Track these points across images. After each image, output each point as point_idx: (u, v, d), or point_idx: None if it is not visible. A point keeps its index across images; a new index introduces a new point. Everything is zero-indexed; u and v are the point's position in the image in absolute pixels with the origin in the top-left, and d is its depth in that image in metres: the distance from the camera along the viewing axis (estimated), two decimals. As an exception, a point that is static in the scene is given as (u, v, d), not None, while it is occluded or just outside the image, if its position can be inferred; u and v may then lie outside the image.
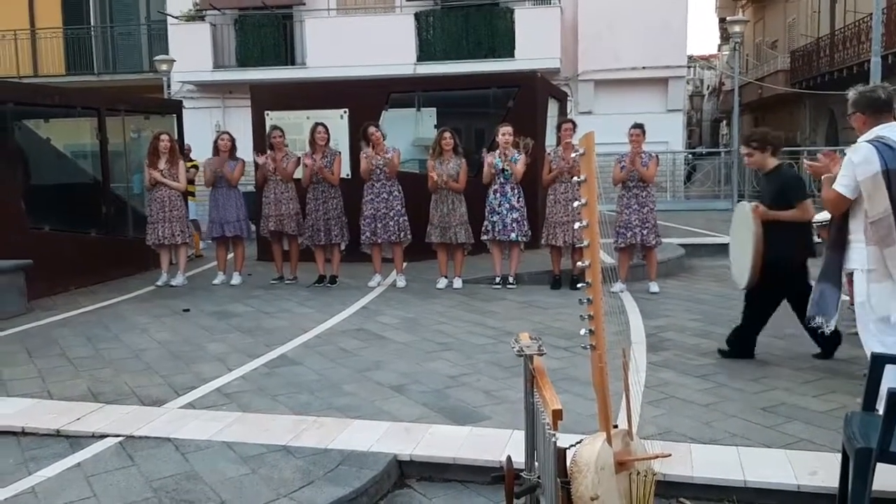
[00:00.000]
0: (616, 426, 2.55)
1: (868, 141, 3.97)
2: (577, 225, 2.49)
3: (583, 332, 2.50)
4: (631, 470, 2.45)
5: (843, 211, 4.07)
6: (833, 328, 4.36)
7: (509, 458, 2.74)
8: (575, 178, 2.52)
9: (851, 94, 4.19)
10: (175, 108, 11.26)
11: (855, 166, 3.92)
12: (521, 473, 2.67)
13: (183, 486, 3.49)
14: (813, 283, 4.35)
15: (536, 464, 2.55)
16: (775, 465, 3.57)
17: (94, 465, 3.77)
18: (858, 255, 4.01)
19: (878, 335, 3.95)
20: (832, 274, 4.17)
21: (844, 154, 4.19)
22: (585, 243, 2.48)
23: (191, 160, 11.36)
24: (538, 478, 2.49)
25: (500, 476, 2.70)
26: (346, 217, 8.62)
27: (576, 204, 2.48)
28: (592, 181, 2.48)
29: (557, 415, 2.12)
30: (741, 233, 5.28)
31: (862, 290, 4.01)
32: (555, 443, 2.05)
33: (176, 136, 10.14)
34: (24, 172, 8.86)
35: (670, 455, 2.58)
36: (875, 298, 3.94)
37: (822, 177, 4.31)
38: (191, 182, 10.51)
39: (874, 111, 4.06)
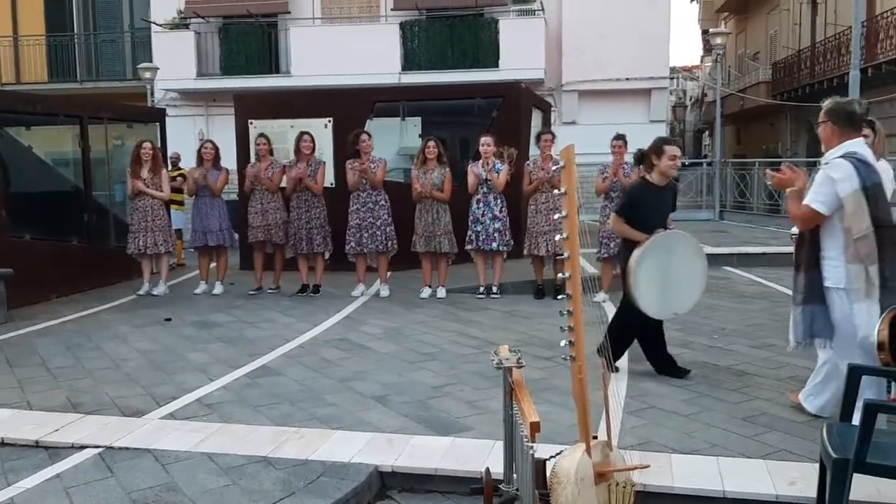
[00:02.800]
0: (596, 437, 2.56)
1: (843, 157, 3.97)
2: (557, 237, 2.51)
3: (563, 343, 2.52)
4: (610, 481, 2.47)
5: (813, 227, 4.05)
6: (833, 350, 4.17)
7: (488, 470, 2.74)
8: (556, 191, 2.54)
9: (828, 102, 4.17)
10: (158, 116, 11.22)
11: (836, 183, 3.90)
12: (500, 486, 2.67)
13: (163, 498, 3.47)
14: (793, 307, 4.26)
15: (515, 476, 2.56)
16: (754, 475, 3.59)
17: (74, 477, 3.73)
18: (835, 273, 3.98)
19: (857, 356, 3.87)
20: (816, 293, 4.07)
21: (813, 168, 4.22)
22: (566, 255, 2.50)
23: (179, 169, 11.32)
24: (517, 490, 2.50)
25: (479, 488, 2.71)
26: (330, 226, 8.61)
27: (556, 216, 2.50)
28: (573, 193, 2.50)
29: (535, 427, 2.13)
30: (686, 259, 5.09)
31: (844, 309, 3.98)
32: (532, 455, 2.07)
33: (159, 145, 10.11)
34: (4, 180, 8.78)
35: (649, 466, 2.60)
36: (859, 318, 3.92)
37: (787, 190, 4.26)
38: (179, 191, 10.45)
39: (847, 125, 4.06)
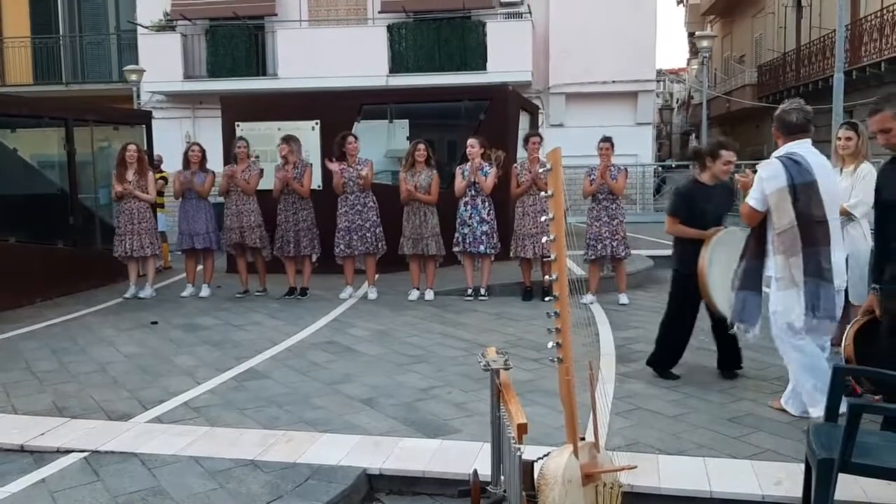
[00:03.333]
0: (583, 438, 2.57)
1: (777, 157, 4.27)
2: (544, 239, 2.52)
3: (550, 345, 2.52)
4: (598, 482, 2.48)
5: (757, 223, 4.34)
6: (757, 335, 4.52)
7: (475, 472, 2.75)
8: (543, 193, 2.55)
9: (778, 110, 4.44)
10: (144, 118, 11.16)
11: (763, 181, 4.22)
12: (488, 487, 2.68)
13: (149, 502, 3.45)
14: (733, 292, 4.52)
15: (502, 477, 2.57)
16: (741, 475, 3.61)
17: (59, 481, 3.71)
18: (772, 264, 4.28)
19: (788, 339, 4.27)
20: (752, 281, 4.37)
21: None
22: (553, 257, 2.51)
23: (160, 171, 11.26)
24: (504, 491, 2.51)
25: (466, 490, 2.71)
26: (318, 229, 8.60)
27: (543, 218, 2.51)
28: (560, 196, 2.51)
29: (522, 429, 2.14)
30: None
31: (773, 298, 4.28)
32: (520, 456, 2.07)
33: (145, 147, 10.06)
34: (-11, 183, 8.73)
35: (636, 467, 2.61)
36: (781, 305, 4.24)
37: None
38: (160, 194, 10.40)
39: (786, 132, 4.35)
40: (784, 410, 4.47)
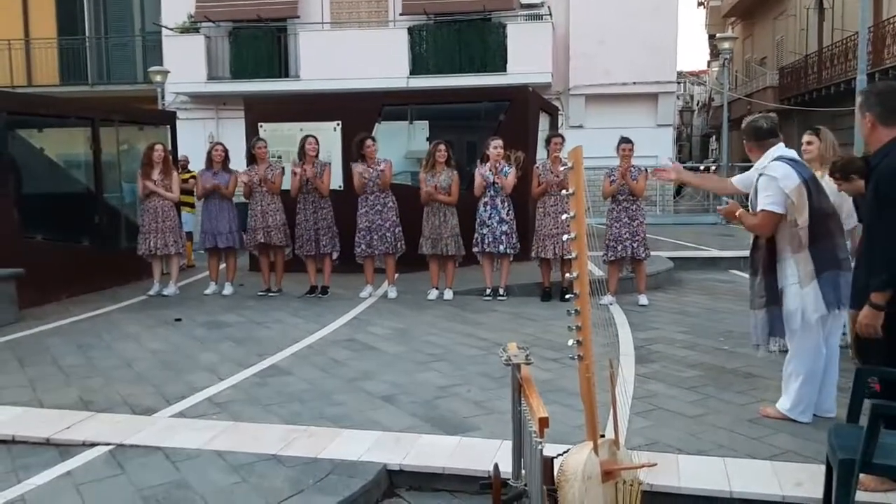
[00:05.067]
0: (603, 436, 2.59)
1: (775, 160, 4.21)
2: (565, 237, 2.54)
3: (570, 342, 2.54)
4: (617, 479, 2.49)
5: (772, 231, 4.22)
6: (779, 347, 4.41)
7: (496, 467, 2.77)
8: (564, 191, 2.57)
9: (743, 125, 4.46)
10: (169, 119, 11.29)
11: (779, 181, 4.12)
12: (508, 481, 2.70)
13: (173, 495, 3.50)
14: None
15: (523, 472, 2.59)
16: (761, 476, 3.61)
17: (84, 474, 3.78)
18: (790, 269, 4.18)
19: (803, 336, 4.19)
20: (775, 294, 4.25)
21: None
22: (574, 255, 2.53)
23: (188, 171, 11.38)
24: (525, 486, 2.53)
25: (487, 484, 2.73)
26: (338, 227, 8.66)
27: (564, 217, 2.53)
28: (581, 194, 2.53)
29: (544, 423, 2.15)
30: None
31: (794, 301, 4.16)
32: (541, 450, 2.09)
33: (170, 147, 10.18)
34: (17, 182, 8.86)
35: (656, 465, 2.62)
36: (802, 302, 4.14)
37: (738, 213, 4.43)
38: (189, 193, 10.52)
39: (757, 140, 4.35)
40: (778, 413, 4.42)
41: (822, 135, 5.77)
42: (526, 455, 2.30)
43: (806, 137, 5.84)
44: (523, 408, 2.31)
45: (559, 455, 2.46)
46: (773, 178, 4.14)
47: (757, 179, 4.27)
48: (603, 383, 2.68)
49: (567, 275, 2.53)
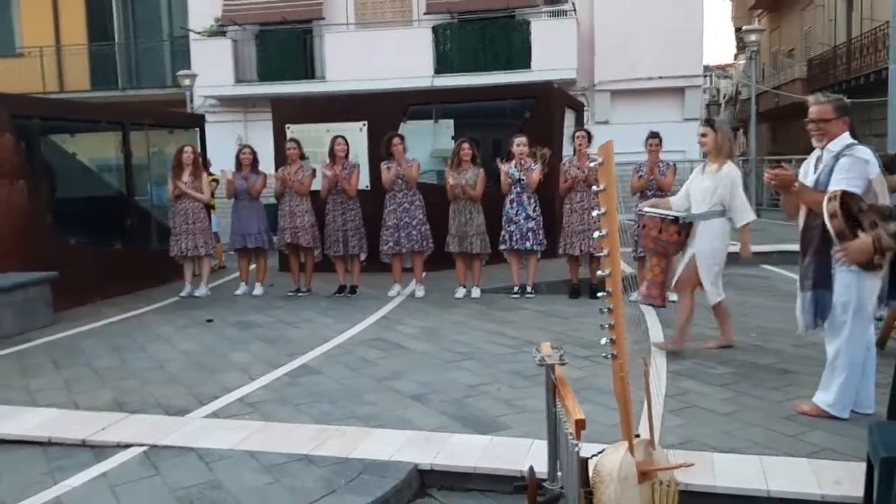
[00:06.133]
0: (638, 436, 2.55)
1: (859, 145, 4.11)
2: (596, 234, 2.51)
3: (603, 341, 2.51)
4: (654, 480, 2.46)
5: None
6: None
7: (532, 469, 2.75)
8: (594, 187, 2.54)
9: (834, 102, 4.23)
10: (198, 122, 11.40)
11: (868, 166, 4.00)
12: (544, 483, 2.67)
13: (207, 496, 3.53)
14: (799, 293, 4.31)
15: (559, 474, 2.56)
16: (799, 474, 3.55)
17: (119, 475, 3.81)
18: None
19: (854, 328, 4.08)
20: (825, 278, 4.14)
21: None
22: (605, 252, 2.50)
23: (210, 174, 11.47)
24: (561, 488, 2.50)
25: (522, 486, 2.71)
26: (365, 228, 8.68)
27: (595, 213, 2.50)
28: (612, 190, 2.50)
29: (580, 424, 2.13)
30: None
31: (849, 290, 4.04)
32: (578, 453, 2.07)
33: (199, 150, 10.26)
34: (50, 186, 9.00)
35: (693, 465, 2.58)
36: (859, 292, 4.03)
37: (796, 185, 4.17)
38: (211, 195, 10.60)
39: (844, 115, 4.21)
40: (818, 409, 4.32)
41: (717, 127, 5.69)
42: (562, 457, 2.27)
43: (700, 130, 5.80)
44: (558, 409, 2.28)
45: (594, 455, 2.43)
46: (862, 161, 4.00)
47: (836, 159, 4.09)
48: (636, 381, 2.65)
49: (599, 272, 2.50)
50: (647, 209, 5.98)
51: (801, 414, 4.35)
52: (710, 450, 3.84)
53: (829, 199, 3.77)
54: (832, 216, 3.73)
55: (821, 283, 4.14)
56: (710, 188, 5.66)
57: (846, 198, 3.76)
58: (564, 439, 2.13)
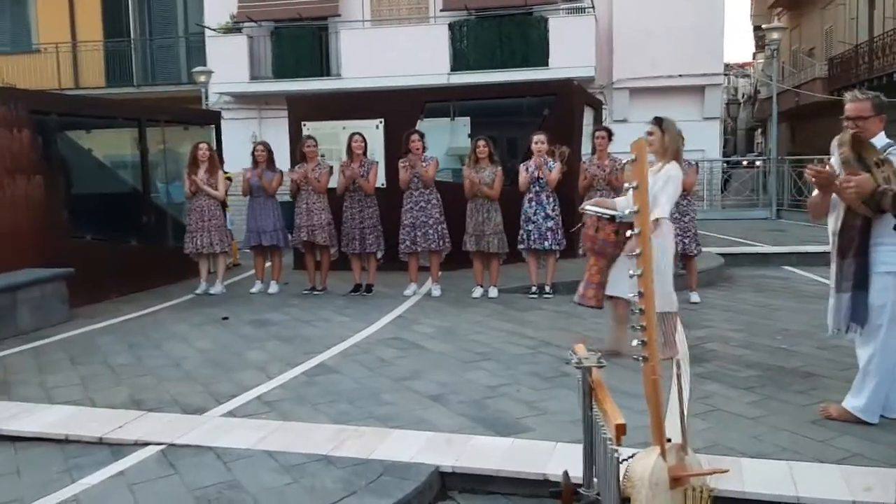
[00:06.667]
0: (669, 440, 2.48)
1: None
2: (629, 232, 2.44)
3: (635, 342, 2.44)
4: (686, 486, 2.38)
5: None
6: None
7: (566, 474, 2.68)
8: (626, 185, 2.47)
9: (872, 99, 4.11)
10: (214, 118, 11.40)
11: None
12: (580, 489, 2.60)
13: (225, 496, 3.48)
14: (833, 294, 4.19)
15: (595, 479, 2.49)
16: (828, 480, 3.46)
17: (137, 474, 3.77)
18: (888, 256, 3.95)
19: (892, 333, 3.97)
20: (863, 279, 4.02)
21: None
22: (637, 252, 2.42)
23: (225, 172, 11.45)
24: (597, 494, 2.43)
25: (557, 492, 2.64)
26: (382, 226, 8.62)
27: (627, 211, 2.43)
28: (644, 188, 2.43)
29: (621, 430, 2.05)
30: None
31: (886, 293, 3.95)
32: (617, 458, 2.00)
33: (215, 147, 10.24)
34: (66, 182, 9.01)
35: (727, 471, 2.50)
36: None
37: (840, 182, 3.96)
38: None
39: (881, 112, 4.11)
40: (847, 414, 4.23)
41: (665, 127, 5.54)
42: (599, 463, 2.20)
43: (648, 128, 5.59)
44: (594, 412, 2.21)
45: (624, 460, 2.36)
46: None
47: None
48: (665, 384, 2.57)
49: (630, 272, 2.43)
50: (588, 207, 5.74)
51: (827, 418, 4.26)
52: (738, 454, 3.76)
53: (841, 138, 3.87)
54: (840, 144, 3.79)
55: (859, 283, 4.03)
56: (653, 187, 5.44)
57: (861, 142, 3.77)
58: (602, 444, 2.06)
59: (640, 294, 2.42)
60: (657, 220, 5.27)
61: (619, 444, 2.01)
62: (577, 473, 3.06)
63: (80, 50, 21.37)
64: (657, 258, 5.34)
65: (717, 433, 4.08)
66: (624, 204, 5.65)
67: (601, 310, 5.93)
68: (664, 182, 5.41)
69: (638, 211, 2.41)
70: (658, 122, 5.56)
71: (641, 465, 2.34)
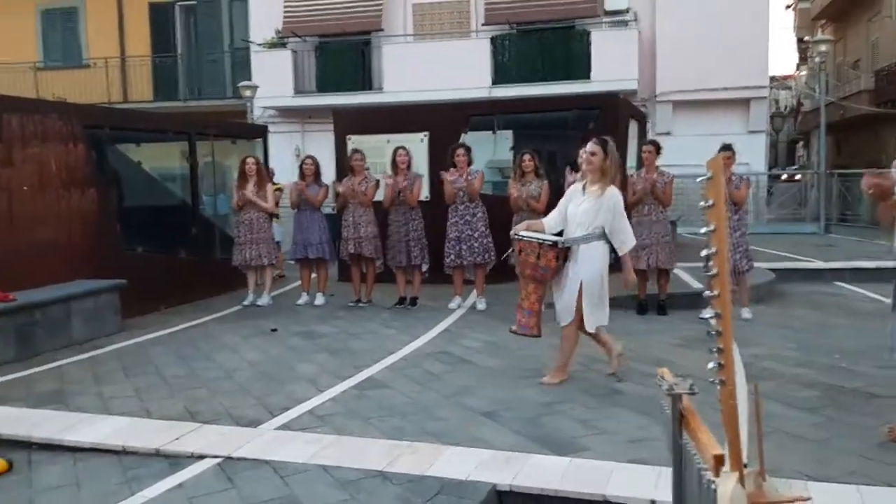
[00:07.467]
0: (746, 465, 2.41)
1: None
2: (704, 251, 2.38)
3: (711, 365, 2.38)
4: (765, 512, 2.31)
5: None
6: None
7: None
8: (701, 203, 2.41)
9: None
10: (261, 132, 11.53)
11: None
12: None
13: (284, 511, 3.48)
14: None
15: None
16: (901, 507, 3.35)
17: (196, 487, 3.79)
18: None
19: None
20: None
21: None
22: (714, 272, 2.36)
23: (274, 183, 11.58)
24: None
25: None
26: (427, 239, 8.62)
27: (703, 230, 2.38)
28: (721, 206, 2.37)
29: (719, 460, 1.98)
30: None
31: None
32: (715, 490, 1.94)
33: (262, 160, 10.36)
34: (118, 195, 9.17)
35: (810, 499, 2.42)
36: None
37: None
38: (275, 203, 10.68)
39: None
40: None
41: (609, 150, 5.37)
42: (691, 494, 2.14)
43: (591, 146, 5.39)
44: (685, 441, 2.15)
45: (700, 485, 2.29)
46: None
47: None
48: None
49: (707, 292, 2.36)
50: (522, 233, 5.51)
51: (893, 441, 4.13)
52: (804, 478, 3.66)
53: None
54: None
55: None
56: (593, 210, 5.30)
57: None
58: (695, 474, 2.00)
59: (718, 315, 2.36)
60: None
61: (717, 476, 1.95)
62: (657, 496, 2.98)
63: (128, 65, 21.83)
64: (602, 281, 5.38)
65: (780, 455, 3.97)
66: (553, 224, 5.54)
67: (539, 337, 5.79)
68: (614, 210, 5.31)
69: (714, 230, 2.35)
70: (602, 143, 5.44)
71: (721, 491, 2.27)
